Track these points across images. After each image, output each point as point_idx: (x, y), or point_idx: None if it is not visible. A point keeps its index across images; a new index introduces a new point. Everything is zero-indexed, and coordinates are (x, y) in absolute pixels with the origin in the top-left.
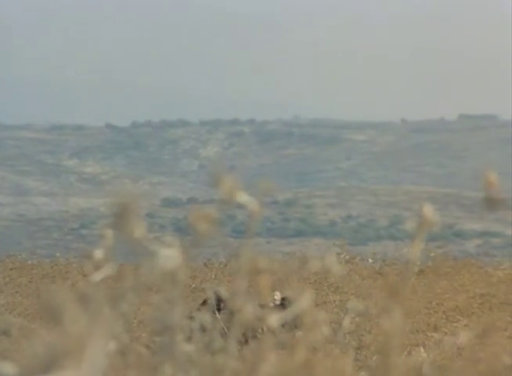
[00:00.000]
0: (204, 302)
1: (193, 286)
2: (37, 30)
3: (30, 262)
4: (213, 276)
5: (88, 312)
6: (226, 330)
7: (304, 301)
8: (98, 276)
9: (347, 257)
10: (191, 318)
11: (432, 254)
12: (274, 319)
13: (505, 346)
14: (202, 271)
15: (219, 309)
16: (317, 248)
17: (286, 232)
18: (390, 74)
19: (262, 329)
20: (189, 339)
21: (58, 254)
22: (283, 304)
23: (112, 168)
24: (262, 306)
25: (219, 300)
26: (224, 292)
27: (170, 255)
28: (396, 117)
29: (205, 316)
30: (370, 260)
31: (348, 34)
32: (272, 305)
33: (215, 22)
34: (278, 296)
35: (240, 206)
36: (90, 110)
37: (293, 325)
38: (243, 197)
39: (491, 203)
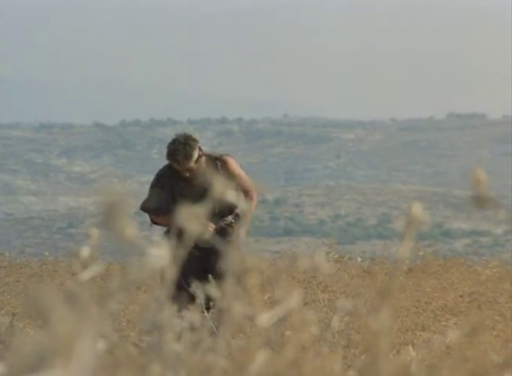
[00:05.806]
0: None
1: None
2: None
3: (18, 261)
4: None
5: (76, 311)
6: (215, 329)
7: (292, 300)
8: (86, 275)
9: (335, 256)
10: (180, 317)
11: (421, 253)
12: (263, 318)
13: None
14: None
15: (208, 308)
16: (306, 247)
17: (275, 231)
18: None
19: (251, 328)
20: (178, 338)
21: (46, 253)
22: None
23: (100, 166)
24: (251, 305)
25: (208, 298)
26: (213, 290)
27: (158, 254)
28: (385, 116)
29: (194, 315)
30: (359, 259)
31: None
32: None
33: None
34: None
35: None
36: (78, 109)
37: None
38: (232, 196)
39: (479, 202)
